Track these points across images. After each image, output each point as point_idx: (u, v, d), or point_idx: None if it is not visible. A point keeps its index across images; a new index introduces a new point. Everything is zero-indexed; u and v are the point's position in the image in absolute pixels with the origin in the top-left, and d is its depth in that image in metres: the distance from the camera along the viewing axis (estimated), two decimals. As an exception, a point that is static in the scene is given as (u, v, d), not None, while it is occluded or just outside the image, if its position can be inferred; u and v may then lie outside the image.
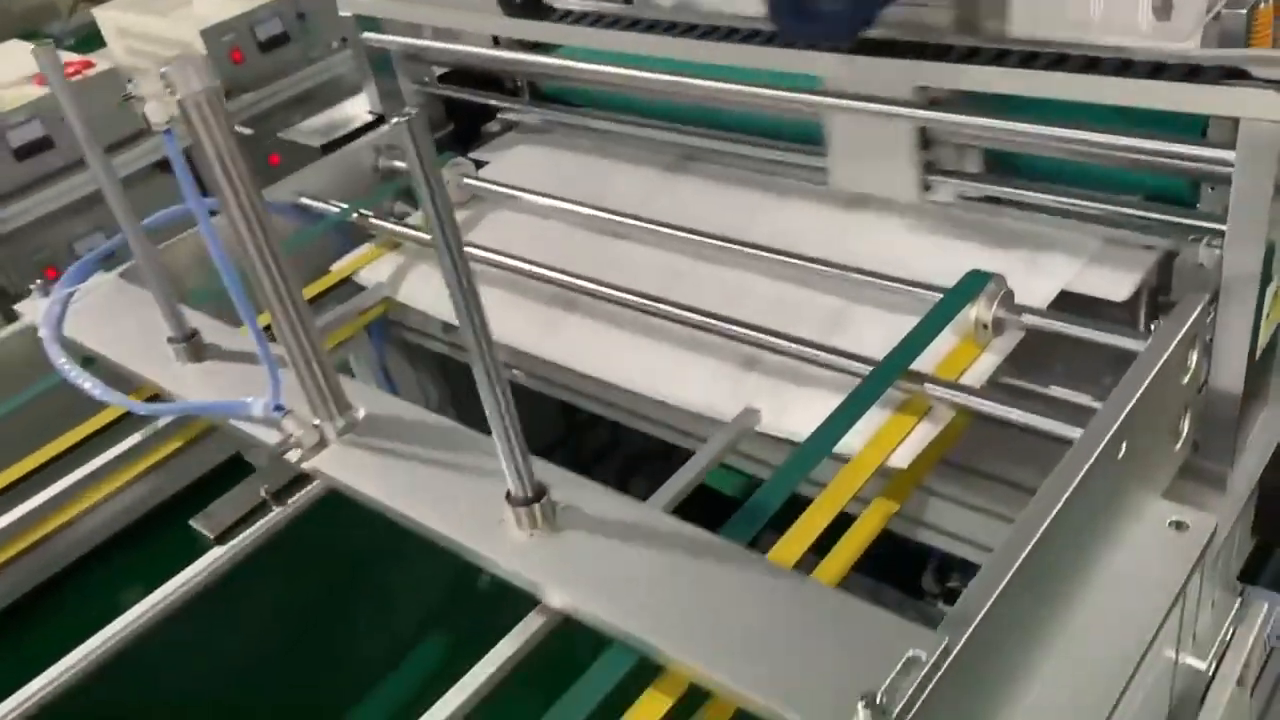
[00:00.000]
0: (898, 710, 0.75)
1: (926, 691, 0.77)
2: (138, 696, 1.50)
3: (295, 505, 1.73)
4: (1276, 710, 1.59)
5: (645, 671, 0.88)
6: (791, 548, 1.02)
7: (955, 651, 0.80)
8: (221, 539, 1.74)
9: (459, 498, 1.03)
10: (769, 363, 1.30)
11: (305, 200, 1.74)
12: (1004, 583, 0.85)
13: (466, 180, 1.75)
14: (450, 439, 1.12)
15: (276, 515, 1.73)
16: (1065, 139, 1.20)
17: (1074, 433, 1.02)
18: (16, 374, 1.50)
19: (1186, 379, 1.12)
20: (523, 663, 0.94)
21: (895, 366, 1.15)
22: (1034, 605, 0.94)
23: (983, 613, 0.83)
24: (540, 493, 0.96)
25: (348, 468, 1.12)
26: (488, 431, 0.90)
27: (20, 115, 2.87)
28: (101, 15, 3.53)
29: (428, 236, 1.67)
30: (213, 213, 1.05)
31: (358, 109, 1.98)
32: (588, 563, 0.93)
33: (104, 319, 1.45)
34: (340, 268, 1.71)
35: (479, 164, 1.85)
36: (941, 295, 1.22)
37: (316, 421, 1.13)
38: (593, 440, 2.31)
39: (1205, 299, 1.10)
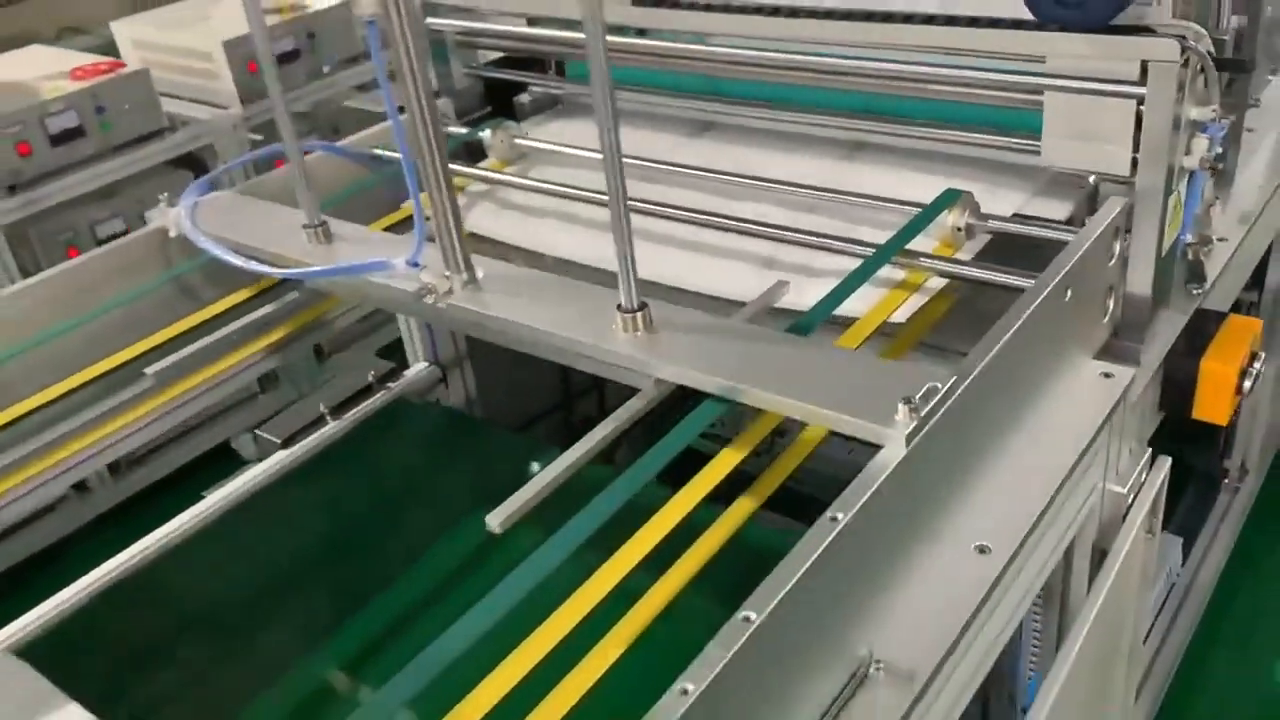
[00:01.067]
0: (926, 410, 1.08)
1: (943, 408, 1.11)
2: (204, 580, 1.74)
3: (351, 419, 2.05)
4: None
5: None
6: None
7: (958, 391, 1.13)
8: (287, 443, 2.04)
9: (572, 317, 1.34)
10: (787, 260, 1.64)
11: (378, 150, 2.04)
12: (987, 359, 1.18)
13: (517, 140, 2.08)
14: (552, 286, 1.43)
15: (333, 427, 2.04)
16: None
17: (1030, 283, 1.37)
18: (142, 268, 1.79)
19: (1112, 262, 1.48)
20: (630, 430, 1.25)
21: (891, 249, 1.49)
22: (1001, 398, 1.28)
23: (974, 373, 1.17)
24: (643, 304, 1.28)
25: (480, 304, 1.41)
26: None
27: (58, 105, 3.13)
28: (119, 28, 3.81)
29: (500, 176, 2.00)
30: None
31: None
32: (684, 349, 1.25)
33: (231, 222, 1.74)
34: (408, 205, 2.01)
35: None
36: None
37: (448, 273, 1.43)
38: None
39: (1124, 200, 1.47)
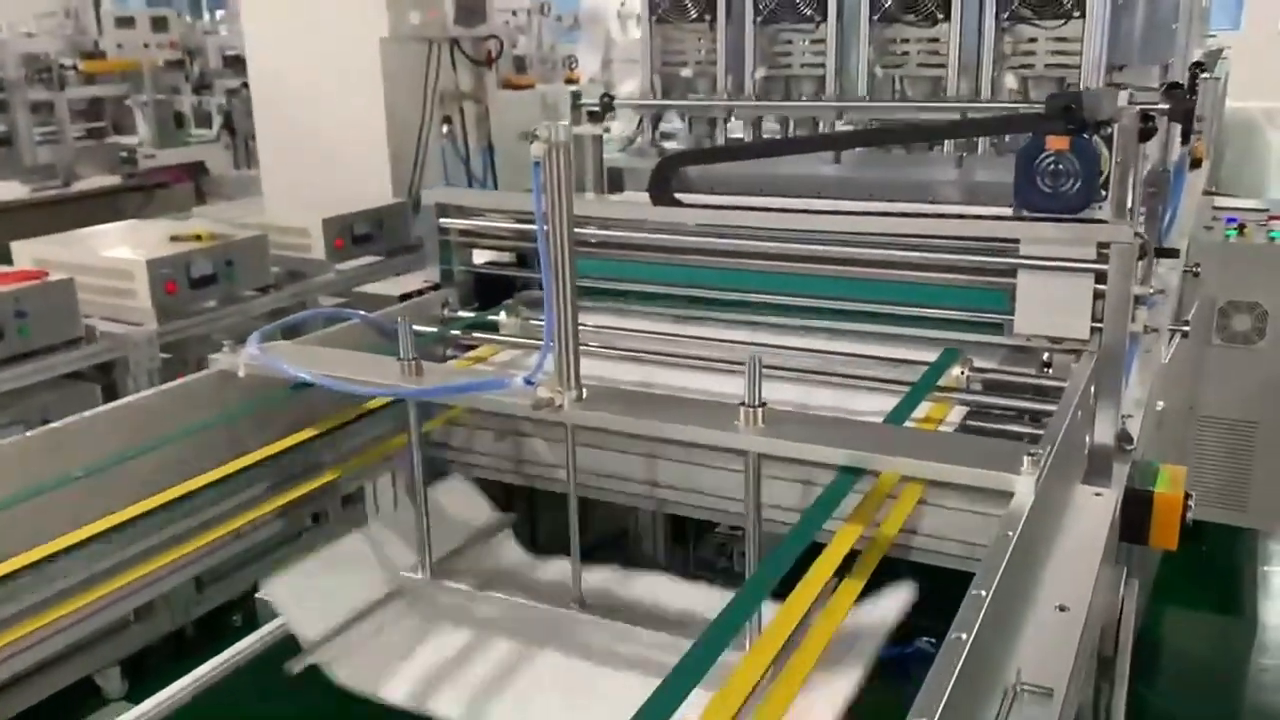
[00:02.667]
0: (1044, 461, 1.32)
1: (1049, 463, 1.36)
2: None
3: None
4: None
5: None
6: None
7: (1054, 451, 1.39)
8: None
9: (690, 418, 1.53)
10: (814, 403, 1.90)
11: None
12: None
13: (530, 322, 2.29)
14: (657, 402, 1.63)
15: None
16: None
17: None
18: (201, 406, 1.85)
19: (1082, 415, 1.81)
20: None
21: (929, 382, 1.79)
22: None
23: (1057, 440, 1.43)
24: (764, 402, 1.49)
25: (594, 413, 1.58)
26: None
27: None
28: (19, 248, 3.83)
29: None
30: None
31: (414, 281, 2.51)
32: (804, 436, 1.46)
33: (305, 362, 1.84)
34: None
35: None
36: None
37: (559, 390, 1.60)
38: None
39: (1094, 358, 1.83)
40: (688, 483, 1.95)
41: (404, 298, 2.40)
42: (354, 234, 4.35)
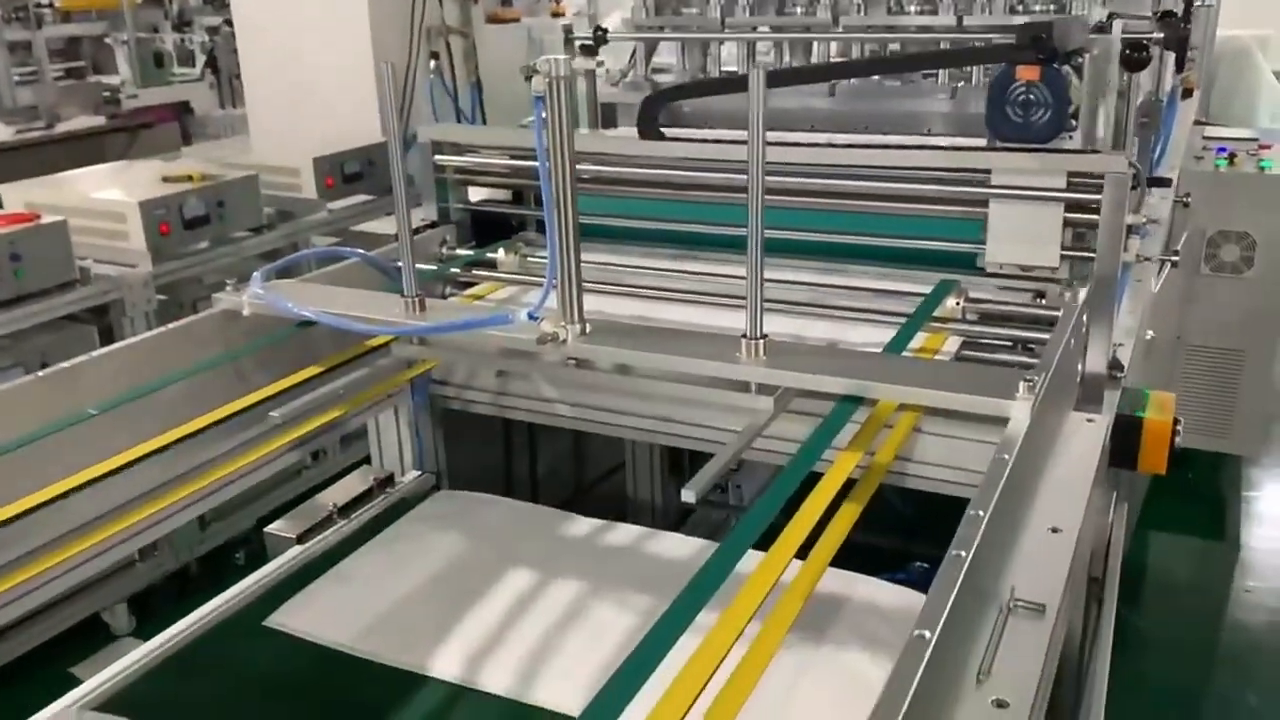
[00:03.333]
0: (1039, 388, 1.36)
1: (1044, 390, 1.39)
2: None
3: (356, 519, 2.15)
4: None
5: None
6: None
7: (1049, 377, 1.42)
8: (303, 538, 2.11)
9: (693, 350, 1.56)
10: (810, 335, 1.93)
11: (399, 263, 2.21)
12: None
13: (529, 259, 2.31)
14: (659, 335, 1.65)
15: (341, 525, 2.14)
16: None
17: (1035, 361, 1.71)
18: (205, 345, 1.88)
19: (1075, 344, 1.84)
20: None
21: (925, 312, 1.83)
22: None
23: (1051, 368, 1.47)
24: (765, 334, 1.52)
25: (597, 347, 1.61)
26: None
27: None
28: (5, 191, 3.81)
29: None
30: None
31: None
32: (805, 366, 1.50)
33: (311, 300, 1.86)
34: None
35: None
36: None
37: (564, 324, 1.62)
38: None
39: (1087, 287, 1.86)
40: (687, 416, 1.99)
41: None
42: (344, 173, 4.33)
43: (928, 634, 1.04)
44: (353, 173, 4.37)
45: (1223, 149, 3.94)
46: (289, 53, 4.74)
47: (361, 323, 1.72)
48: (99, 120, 6.45)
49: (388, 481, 2.29)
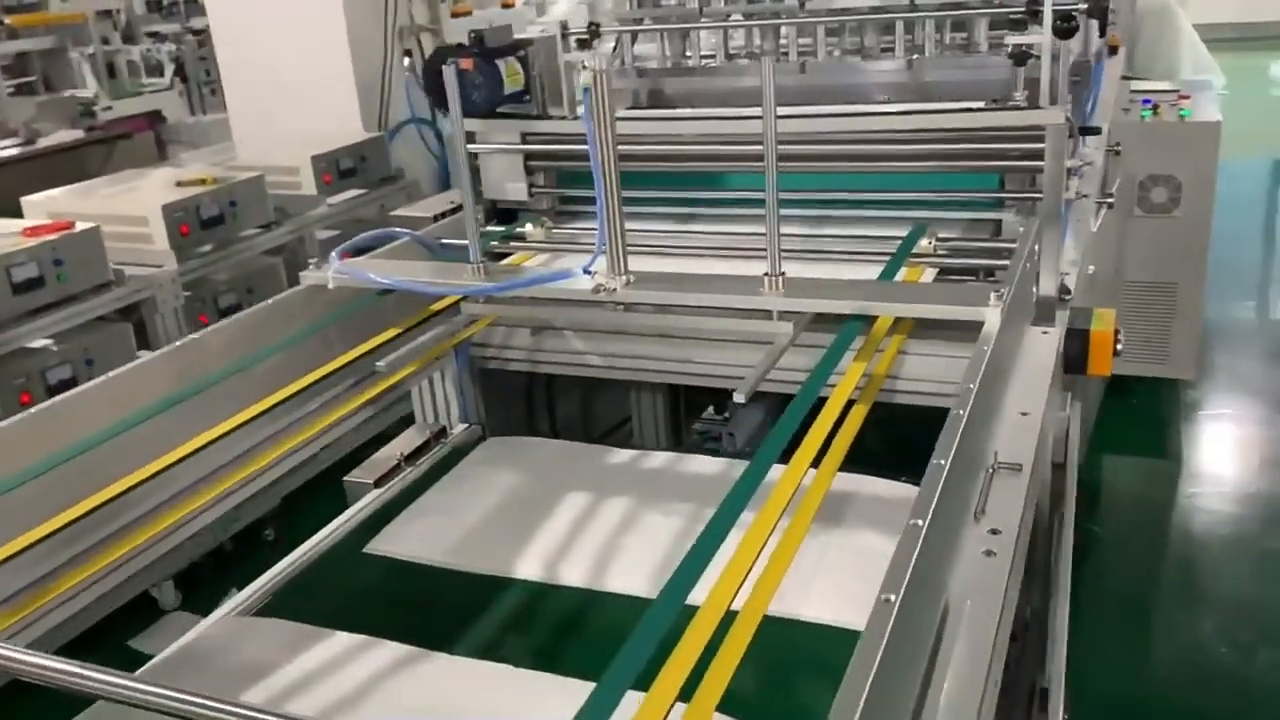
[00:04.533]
0: (1007, 297, 1.72)
1: (1010, 297, 1.75)
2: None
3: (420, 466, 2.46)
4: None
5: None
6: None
7: (1013, 287, 1.78)
8: (379, 483, 2.43)
9: (724, 289, 1.90)
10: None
11: (445, 240, 2.53)
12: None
13: (554, 230, 2.63)
14: (692, 280, 1.99)
15: (407, 471, 2.46)
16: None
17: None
18: (294, 318, 2.19)
19: (1030, 267, 2.21)
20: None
21: (906, 250, 2.18)
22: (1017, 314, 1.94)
23: (1016, 279, 1.82)
24: (783, 272, 1.86)
25: (641, 295, 1.94)
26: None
27: (21, 257, 3.36)
28: (29, 202, 4.05)
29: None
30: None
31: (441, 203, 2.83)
32: (816, 294, 1.84)
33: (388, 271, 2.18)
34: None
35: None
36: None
37: (614, 276, 1.95)
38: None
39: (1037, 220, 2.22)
40: (704, 356, 2.34)
41: (437, 218, 2.72)
42: (339, 168, 4.61)
43: (937, 482, 1.39)
44: (347, 168, 4.65)
45: (1147, 100, 4.33)
46: (268, 59, 4.97)
47: (438, 286, 2.04)
48: (78, 133, 6.63)
49: (441, 434, 2.62)
